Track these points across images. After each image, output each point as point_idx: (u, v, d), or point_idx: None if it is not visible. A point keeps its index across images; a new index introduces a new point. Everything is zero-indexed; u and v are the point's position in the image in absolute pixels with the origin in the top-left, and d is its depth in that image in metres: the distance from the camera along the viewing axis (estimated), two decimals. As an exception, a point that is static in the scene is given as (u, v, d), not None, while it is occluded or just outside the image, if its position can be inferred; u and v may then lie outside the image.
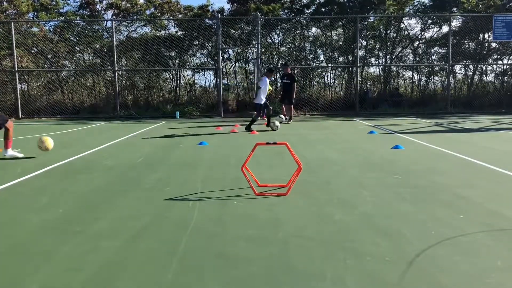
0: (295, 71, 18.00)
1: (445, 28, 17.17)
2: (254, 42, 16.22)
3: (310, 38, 18.23)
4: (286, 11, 18.47)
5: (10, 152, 6.53)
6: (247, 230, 3.17)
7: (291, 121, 12.63)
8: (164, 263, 2.61)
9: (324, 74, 18.64)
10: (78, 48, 17.55)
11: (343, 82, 18.75)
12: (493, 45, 17.50)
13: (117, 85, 16.01)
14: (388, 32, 18.00)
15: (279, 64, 17.51)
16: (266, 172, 5.25)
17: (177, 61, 18.10)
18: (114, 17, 17.97)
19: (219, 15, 16.38)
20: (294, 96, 12.73)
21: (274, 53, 17.85)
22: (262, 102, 10.28)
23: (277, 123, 10.35)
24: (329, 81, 18.82)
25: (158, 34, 17.97)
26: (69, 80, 18.07)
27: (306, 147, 7.37)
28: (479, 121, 12.20)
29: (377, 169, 5.40)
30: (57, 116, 15.91)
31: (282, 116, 12.58)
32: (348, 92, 17.75)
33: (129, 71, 17.84)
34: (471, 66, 18.02)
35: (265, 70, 11.21)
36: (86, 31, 17.67)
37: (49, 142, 6.64)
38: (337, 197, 4.08)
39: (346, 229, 3.17)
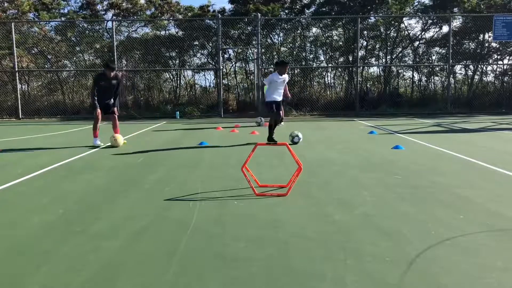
0: (295, 71, 18.01)
1: (445, 28, 17.18)
2: (254, 43, 16.22)
3: (311, 38, 18.24)
4: (286, 11, 18.48)
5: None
6: (247, 230, 3.17)
7: (283, 123, 12.16)
8: (164, 263, 2.61)
9: (324, 74, 18.65)
10: (78, 48, 17.55)
11: (343, 82, 18.75)
12: (493, 45, 17.50)
13: (117, 85, 15.99)
14: (388, 32, 18.01)
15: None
16: (266, 172, 5.25)
17: (177, 61, 18.11)
18: (114, 17, 17.98)
19: (219, 15, 16.39)
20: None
21: (275, 53, 17.85)
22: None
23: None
24: (329, 81, 18.84)
25: (158, 34, 17.98)
26: (69, 80, 18.08)
27: (306, 147, 7.37)
28: (479, 121, 12.20)
29: (377, 169, 5.40)
30: (57, 116, 15.91)
31: (261, 118, 11.81)
32: (348, 92, 17.76)
33: (129, 71, 17.85)
34: (471, 66, 18.02)
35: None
36: (87, 32, 17.68)
37: (119, 139, 7.82)
38: (337, 197, 4.08)
39: (346, 229, 3.16)
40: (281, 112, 8.19)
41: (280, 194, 4.16)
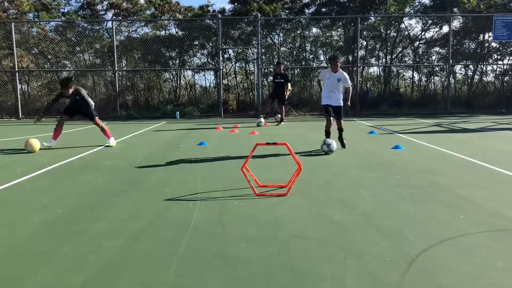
0: (296, 71, 18.02)
1: (445, 28, 17.18)
2: (254, 43, 16.22)
3: (311, 38, 18.24)
4: (286, 11, 18.49)
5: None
6: (247, 230, 3.17)
7: (283, 123, 12.04)
8: (164, 263, 2.61)
9: (324, 74, 18.63)
10: (78, 48, 17.56)
11: (343, 82, 18.72)
12: (493, 45, 17.50)
13: (117, 85, 16.02)
14: (388, 32, 18.01)
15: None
16: (266, 172, 5.25)
17: (177, 61, 18.12)
18: (114, 17, 17.99)
19: (220, 15, 16.40)
20: (287, 96, 12.14)
21: (275, 53, 17.86)
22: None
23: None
24: (329, 81, 18.80)
25: (158, 34, 17.99)
26: (69, 80, 18.06)
27: (306, 147, 7.36)
28: (479, 121, 12.20)
29: (377, 169, 5.40)
30: (57, 117, 15.86)
31: (262, 119, 11.74)
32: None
33: (129, 71, 17.85)
34: (471, 66, 18.02)
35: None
36: (87, 32, 17.69)
37: (35, 144, 7.11)
38: (337, 197, 4.08)
39: (346, 229, 3.16)
40: (335, 119, 6.96)
41: (280, 194, 4.16)
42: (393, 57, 18.15)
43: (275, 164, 5.82)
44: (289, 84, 12.08)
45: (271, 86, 13.81)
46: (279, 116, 12.27)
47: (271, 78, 15.39)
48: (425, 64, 17.97)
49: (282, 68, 12.21)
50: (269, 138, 8.60)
